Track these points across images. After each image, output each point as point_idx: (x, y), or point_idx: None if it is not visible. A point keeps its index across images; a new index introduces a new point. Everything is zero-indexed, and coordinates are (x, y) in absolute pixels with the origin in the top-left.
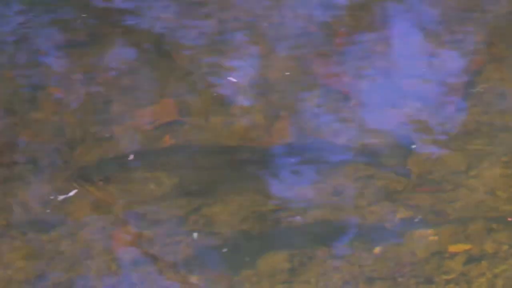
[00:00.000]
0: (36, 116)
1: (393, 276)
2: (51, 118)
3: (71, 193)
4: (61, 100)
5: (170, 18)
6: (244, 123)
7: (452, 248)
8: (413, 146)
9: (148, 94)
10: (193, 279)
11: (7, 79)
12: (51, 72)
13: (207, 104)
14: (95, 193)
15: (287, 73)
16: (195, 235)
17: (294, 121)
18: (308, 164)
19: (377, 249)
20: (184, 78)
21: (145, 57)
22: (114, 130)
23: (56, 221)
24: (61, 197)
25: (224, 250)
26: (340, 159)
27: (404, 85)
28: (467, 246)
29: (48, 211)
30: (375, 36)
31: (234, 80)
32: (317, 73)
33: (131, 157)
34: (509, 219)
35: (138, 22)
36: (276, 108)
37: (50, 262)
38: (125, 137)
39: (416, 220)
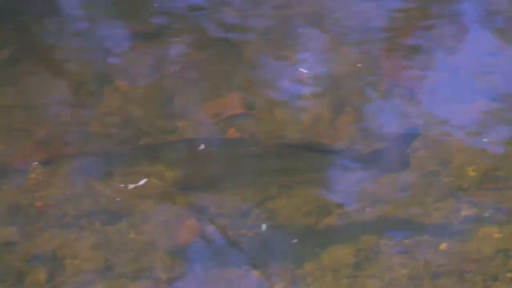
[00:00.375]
0: (103, 108)
1: (459, 272)
2: (118, 111)
3: (141, 182)
4: (128, 93)
5: (237, 11)
6: (309, 117)
7: None
8: (485, 140)
9: (215, 87)
10: (256, 272)
11: (74, 71)
12: (118, 64)
13: (273, 98)
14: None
15: (358, 65)
16: (263, 226)
17: (359, 115)
18: (373, 158)
19: (443, 245)
20: (250, 72)
21: (212, 51)
22: (180, 123)
23: (123, 212)
24: (131, 186)
25: (290, 243)
26: (406, 154)
27: (472, 80)
28: None
29: (116, 201)
30: (443, 31)
31: (305, 71)
32: (383, 67)
33: (202, 146)
34: None
35: (205, 15)
36: (341, 103)
37: (117, 253)
38: (191, 130)
39: (481, 217)
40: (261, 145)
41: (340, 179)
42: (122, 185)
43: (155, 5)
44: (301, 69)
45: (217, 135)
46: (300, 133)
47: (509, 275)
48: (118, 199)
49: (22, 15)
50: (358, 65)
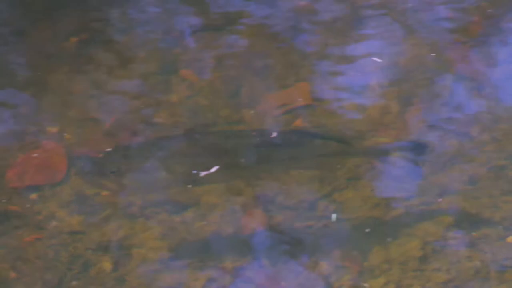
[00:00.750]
0: (170, 98)
1: None
2: (184, 101)
3: (213, 169)
4: (194, 83)
5: (303, 3)
6: (376, 109)
7: None
8: None
9: (281, 78)
10: (323, 264)
11: (141, 60)
12: (185, 54)
13: (341, 88)
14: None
15: (432, 54)
16: (333, 216)
17: (426, 108)
18: (441, 151)
19: (510, 238)
20: (318, 62)
21: (278, 41)
22: (246, 113)
23: (190, 201)
24: (203, 173)
25: (358, 234)
26: (473, 146)
27: None
28: None
29: (185, 189)
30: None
31: (378, 60)
32: (451, 60)
33: (274, 134)
34: None
35: (271, 7)
36: (408, 95)
37: (182, 243)
38: (257, 120)
39: None
40: (327, 136)
41: (408, 171)
42: (194, 172)
43: None
44: (374, 58)
45: (283, 125)
46: (367, 125)
47: None
48: (189, 185)
49: (89, 1)
50: (431, 54)
